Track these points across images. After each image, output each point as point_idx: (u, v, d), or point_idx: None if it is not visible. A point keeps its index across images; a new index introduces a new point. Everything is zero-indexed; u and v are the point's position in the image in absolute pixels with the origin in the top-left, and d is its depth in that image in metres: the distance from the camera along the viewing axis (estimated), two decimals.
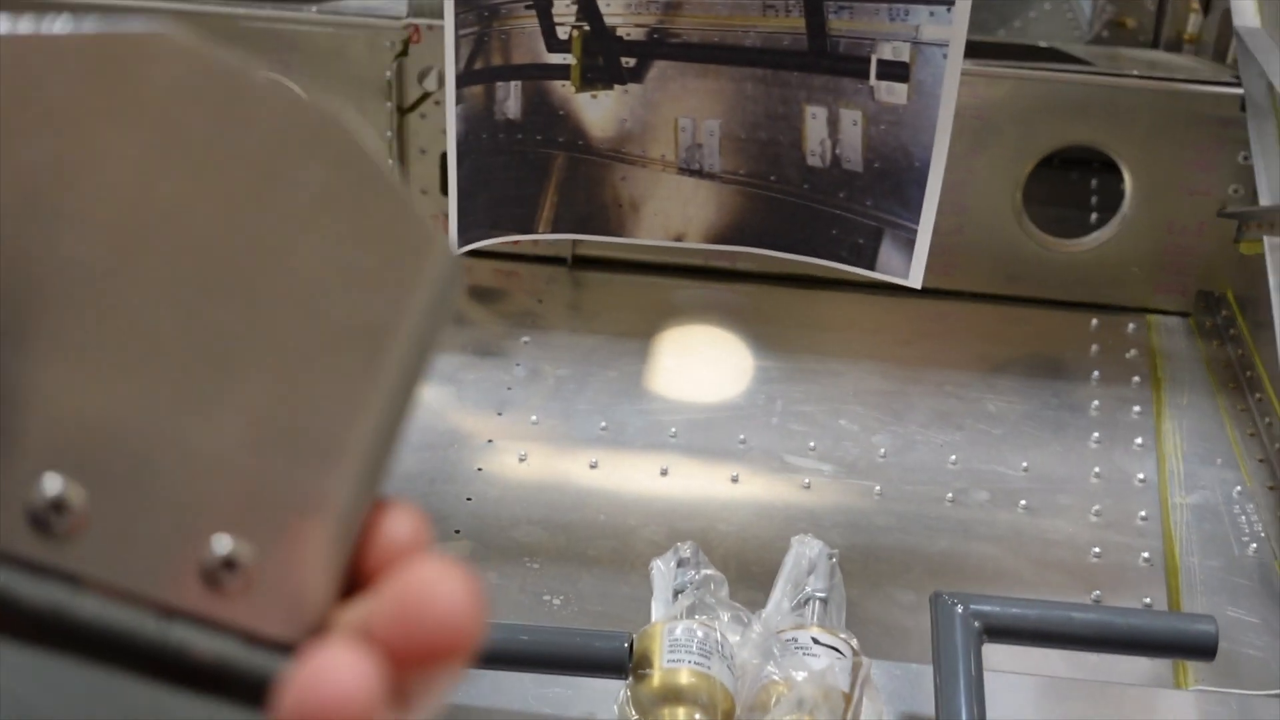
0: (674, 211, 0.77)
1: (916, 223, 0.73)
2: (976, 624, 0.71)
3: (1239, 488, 0.98)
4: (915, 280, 0.75)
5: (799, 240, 0.77)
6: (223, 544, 0.24)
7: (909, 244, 0.74)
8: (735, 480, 0.97)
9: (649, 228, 0.77)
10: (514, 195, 0.76)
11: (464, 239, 0.77)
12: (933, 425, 1.04)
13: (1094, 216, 1.20)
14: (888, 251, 0.75)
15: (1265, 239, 1.04)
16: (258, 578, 0.25)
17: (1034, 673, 0.79)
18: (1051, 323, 1.17)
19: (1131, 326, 1.16)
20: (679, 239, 0.78)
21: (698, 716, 0.69)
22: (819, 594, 0.77)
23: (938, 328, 1.16)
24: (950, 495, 0.96)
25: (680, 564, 0.79)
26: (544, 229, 0.78)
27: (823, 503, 0.95)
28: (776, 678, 0.69)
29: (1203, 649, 0.71)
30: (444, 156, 1.13)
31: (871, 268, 0.76)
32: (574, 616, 0.84)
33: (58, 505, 0.24)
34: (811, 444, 1.00)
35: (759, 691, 0.69)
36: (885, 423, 1.03)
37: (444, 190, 1.17)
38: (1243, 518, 0.95)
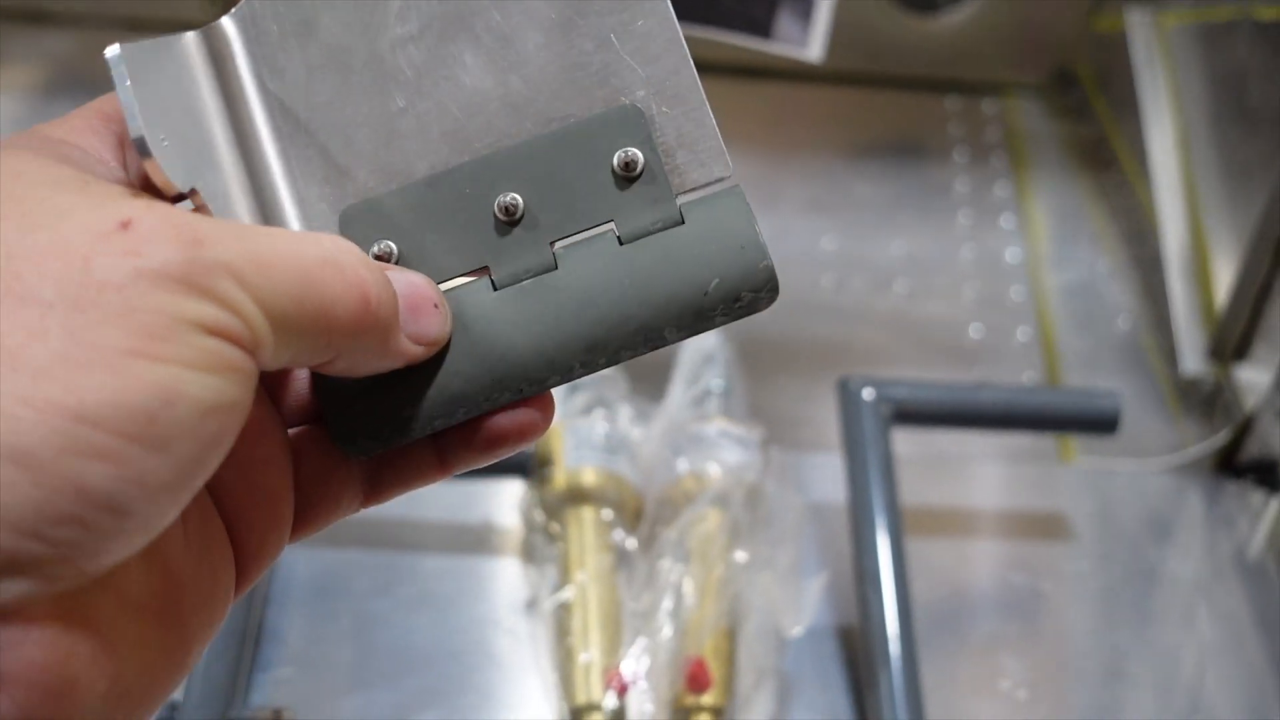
0: None
1: None
2: (885, 408, 0.69)
3: (1105, 265, 0.98)
4: (815, 53, 0.70)
5: (688, 9, 0.71)
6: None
7: (807, 12, 0.69)
8: None
9: None
10: None
11: None
12: (805, 212, 1.01)
13: None
14: (785, 21, 0.70)
15: (1126, 14, 1.03)
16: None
17: (924, 456, 0.79)
18: (911, 103, 1.14)
19: (990, 106, 1.15)
20: None
21: (606, 514, 0.66)
22: (720, 385, 0.74)
23: (800, 111, 1.12)
24: (828, 282, 0.94)
25: None
26: None
27: None
28: (687, 472, 0.66)
29: (1106, 423, 0.71)
30: None
31: (767, 38, 0.71)
32: None
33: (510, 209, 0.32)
34: None
35: (669, 487, 0.67)
36: (757, 210, 0.99)
37: None
38: (1110, 294, 0.96)
